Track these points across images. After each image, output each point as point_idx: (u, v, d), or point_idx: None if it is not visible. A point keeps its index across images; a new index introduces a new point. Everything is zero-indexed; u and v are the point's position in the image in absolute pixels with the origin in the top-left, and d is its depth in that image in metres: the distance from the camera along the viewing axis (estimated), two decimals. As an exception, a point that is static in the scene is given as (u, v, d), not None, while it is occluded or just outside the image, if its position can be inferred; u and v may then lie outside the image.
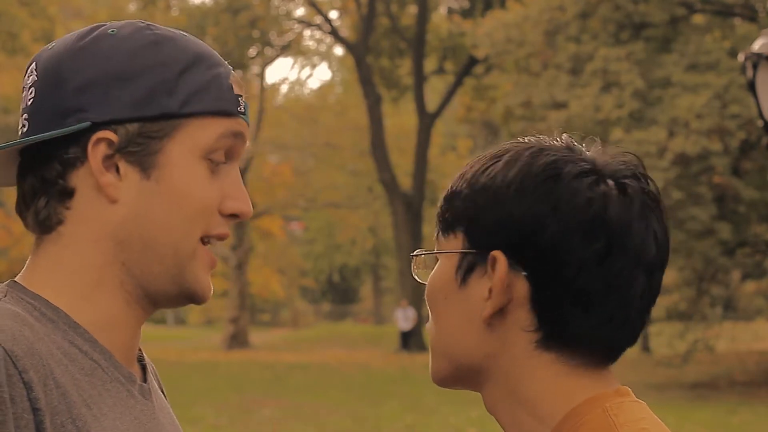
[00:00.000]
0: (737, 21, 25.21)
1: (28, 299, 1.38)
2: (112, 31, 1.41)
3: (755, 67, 8.50)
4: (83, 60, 1.39)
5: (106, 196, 1.39)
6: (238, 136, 1.44)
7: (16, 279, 1.42)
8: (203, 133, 1.41)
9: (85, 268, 1.40)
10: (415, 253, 1.48)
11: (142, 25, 1.43)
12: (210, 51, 1.46)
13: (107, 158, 1.38)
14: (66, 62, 1.40)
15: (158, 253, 1.40)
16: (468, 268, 1.39)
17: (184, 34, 1.45)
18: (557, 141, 1.42)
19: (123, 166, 1.39)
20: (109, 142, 1.38)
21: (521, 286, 1.35)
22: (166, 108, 1.39)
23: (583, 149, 1.41)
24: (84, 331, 1.38)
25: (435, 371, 1.44)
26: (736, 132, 21.58)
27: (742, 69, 8.89)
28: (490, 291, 1.36)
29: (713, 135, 21.46)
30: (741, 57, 8.95)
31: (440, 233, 1.44)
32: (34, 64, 1.44)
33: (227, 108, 1.43)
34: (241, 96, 1.45)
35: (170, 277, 1.41)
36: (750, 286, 38.94)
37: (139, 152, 1.39)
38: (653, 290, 1.38)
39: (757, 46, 8.59)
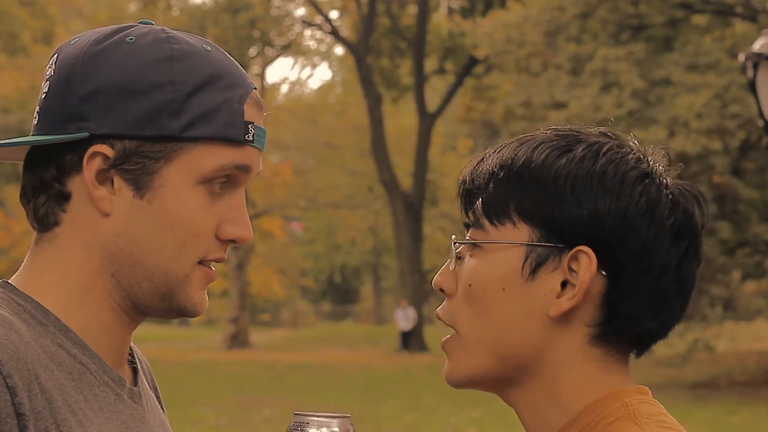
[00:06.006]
0: (737, 21, 25.20)
1: (19, 301, 1.36)
2: (131, 38, 1.37)
3: (755, 67, 8.51)
4: (94, 66, 1.36)
5: (98, 209, 1.37)
6: (242, 168, 1.38)
7: (10, 279, 1.41)
8: (203, 160, 1.36)
9: (75, 272, 1.38)
10: (471, 241, 1.35)
11: (164, 36, 1.38)
12: (229, 69, 1.39)
13: (102, 171, 1.36)
14: (79, 65, 1.36)
15: (147, 272, 1.37)
16: (539, 261, 1.31)
17: (208, 48, 1.39)
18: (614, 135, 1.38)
19: (117, 181, 1.36)
20: (105, 157, 1.35)
21: (597, 283, 1.31)
22: (167, 130, 1.35)
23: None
24: (74, 334, 1.36)
25: (469, 367, 1.35)
26: (736, 132, 21.59)
27: (742, 69, 8.90)
28: (564, 286, 1.31)
29: (713, 135, 21.47)
30: (741, 57, 8.96)
31: (486, 220, 1.35)
32: (55, 56, 1.40)
33: (233, 136, 1.37)
34: (252, 123, 1.38)
35: (159, 294, 1.39)
36: (750, 286, 38.88)
37: (135, 171, 1.36)
38: None
39: (757, 46, 8.61)
